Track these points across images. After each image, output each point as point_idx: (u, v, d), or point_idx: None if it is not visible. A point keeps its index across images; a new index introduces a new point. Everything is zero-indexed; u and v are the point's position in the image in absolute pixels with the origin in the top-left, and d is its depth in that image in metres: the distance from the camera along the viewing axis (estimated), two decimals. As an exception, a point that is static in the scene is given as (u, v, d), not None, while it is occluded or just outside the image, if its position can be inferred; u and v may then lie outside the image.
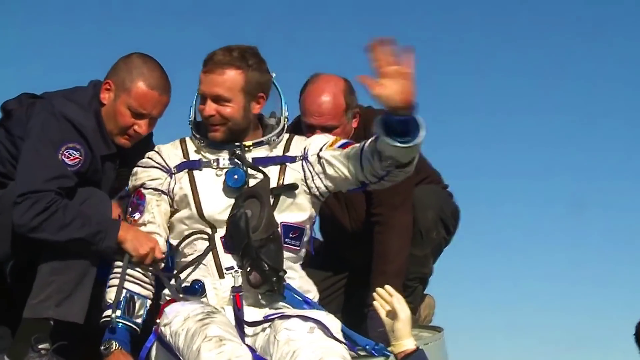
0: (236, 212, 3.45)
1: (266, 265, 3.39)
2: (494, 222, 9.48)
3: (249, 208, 3.45)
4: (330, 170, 3.58)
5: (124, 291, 3.53)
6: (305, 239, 3.69)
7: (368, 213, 4.27)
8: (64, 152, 3.49)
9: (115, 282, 3.53)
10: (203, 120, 3.59)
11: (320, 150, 3.62)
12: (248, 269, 3.41)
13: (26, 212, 3.36)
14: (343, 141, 3.65)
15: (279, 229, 3.54)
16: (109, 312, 3.51)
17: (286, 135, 3.73)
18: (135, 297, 3.55)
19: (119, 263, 3.56)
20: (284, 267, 3.49)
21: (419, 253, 4.30)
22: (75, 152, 3.52)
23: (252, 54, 3.58)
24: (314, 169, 3.61)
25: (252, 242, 3.39)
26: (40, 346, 3.41)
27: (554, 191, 9.76)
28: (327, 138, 3.70)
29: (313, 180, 3.62)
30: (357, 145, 3.52)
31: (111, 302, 3.51)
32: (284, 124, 3.71)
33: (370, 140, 3.42)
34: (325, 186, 3.63)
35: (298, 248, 3.64)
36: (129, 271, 3.55)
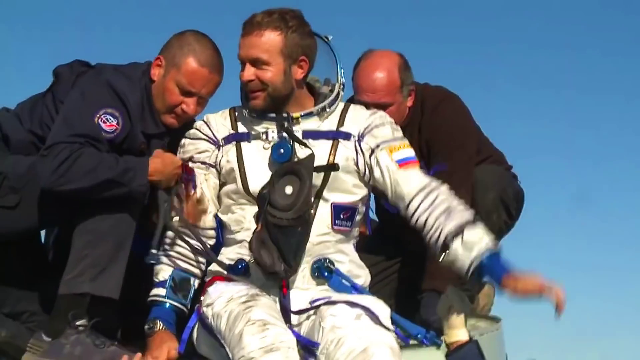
0: (265, 187, 3.30)
1: (276, 250, 3.23)
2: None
3: (288, 184, 3.27)
4: (377, 175, 3.45)
5: (172, 270, 3.45)
6: (358, 217, 3.53)
7: None
8: (101, 116, 3.37)
9: (164, 259, 3.45)
10: (243, 87, 3.45)
11: (379, 146, 3.46)
12: (254, 247, 3.26)
13: (49, 164, 3.24)
14: (405, 156, 3.47)
15: (330, 209, 3.40)
16: (155, 290, 3.44)
17: (341, 105, 3.55)
18: (184, 275, 3.46)
19: (167, 240, 3.47)
20: (333, 251, 3.39)
21: None
22: (113, 119, 3.39)
23: (293, 16, 3.41)
24: (365, 156, 3.46)
25: (270, 218, 3.22)
26: (77, 322, 3.32)
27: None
28: (389, 133, 3.51)
29: (365, 165, 3.47)
30: (415, 178, 3.41)
31: (158, 280, 3.44)
32: (339, 91, 3.53)
33: (440, 230, 3.30)
34: (370, 178, 3.49)
35: (349, 229, 3.49)
36: (177, 249, 3.47)
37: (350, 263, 3.47)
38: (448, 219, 3.28)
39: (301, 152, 3.37)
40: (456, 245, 3.24)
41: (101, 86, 3.43)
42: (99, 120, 3.36)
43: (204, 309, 3.22)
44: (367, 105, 3.87)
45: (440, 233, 3.28)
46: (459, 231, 3.24)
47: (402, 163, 3.44)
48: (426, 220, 3.33)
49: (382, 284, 3.98)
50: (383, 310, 3.14)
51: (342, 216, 3.44)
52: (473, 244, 3.22)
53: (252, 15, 3.38)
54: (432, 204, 3.33)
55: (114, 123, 3.39)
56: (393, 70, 3.96)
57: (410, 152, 3.49)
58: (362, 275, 3.51)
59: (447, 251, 3.25)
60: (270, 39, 3.34)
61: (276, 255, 3.22)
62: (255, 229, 3.29)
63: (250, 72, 3.37)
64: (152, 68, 3.56)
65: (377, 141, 3.46)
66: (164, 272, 3.46)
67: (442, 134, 4.01)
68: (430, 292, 3.80)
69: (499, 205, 4.17)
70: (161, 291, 3.43)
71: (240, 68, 3.42)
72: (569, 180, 9.58)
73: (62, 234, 3.59)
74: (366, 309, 3.09)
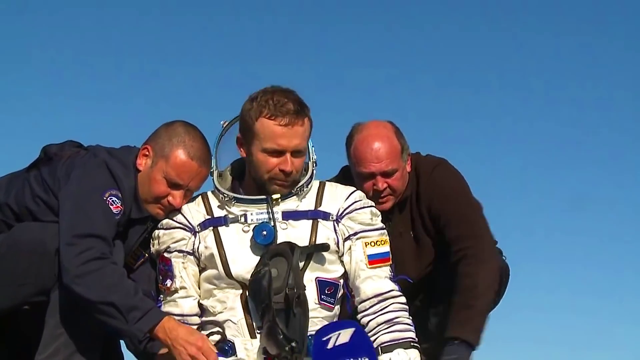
0: (259, 270, 3.20)
1: (280, 333, 3.10)
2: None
3: (275, 267, 3.20)
4: (346, 260, 3.42)
5: None
6: (339, 294, 3.44)
7: (440, 254, 3.97)
8: (108, 199, 3.32)
9: None
10: (271, 175, 3.33)
11: (356, 235, 3.41)
12: (265, 335, 3.15)
13: (74, 258, 3.16)
14: (378, 252, 3.43)
15: (315, 285, 3.33)
16: None
17: (316, 183, 3.49)
18: None
19: None
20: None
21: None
22: (118, 201, 3.34)
23: (300, 97, 3.39)
24: (341, 239, 3.41)
25: (273, 304, 3.13)
26: None
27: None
28: (368, 220, 3.45)
29: (342, 245, 3.41)
30: (377, 282, 3.39)
31: None
32: (313, 170, 3.47)
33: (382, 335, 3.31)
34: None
35: (332, 306, 3.40)
36: None
37: None
38: (386, 330, 3.33)
39: (282, 234, 3.30)
40: (383, 359, 3.27)
41: (100, 167, 3.36)
42: (107, 202, 3.31)
43: None
44: (373, 175, 3.83)
45: (375, 339, 3.32)
46: (391, 347, 3.29)
47: (373, 260, 3.41)
48: (368, 323, 3.36)
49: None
50: None
51: (326, 291, 3.37)
52: None
53: (282, 103, 3.29)
54: (381, 310, 3.37)
55: (119, 204, 3.34)
56: (392, 137, 3.91)
57: (384, 249, 3.45)
58: None
59: None
60: (307, 127, 3.36)
61: (279, 339, 3.11)
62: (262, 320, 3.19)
63: (292, 163, 3.32)
64: (139, 157, 3.45)
65: (355, 229, 3.42)
66: None
67: (443, 197, 3.94)
68: (456, 341, 3.68)
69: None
70: None
71: (273, 155, 3.31)
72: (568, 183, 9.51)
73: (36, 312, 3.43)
74: None
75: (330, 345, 2.96)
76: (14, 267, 3.24)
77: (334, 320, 3.42)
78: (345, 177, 3.99)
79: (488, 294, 3.83)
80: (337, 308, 3.44)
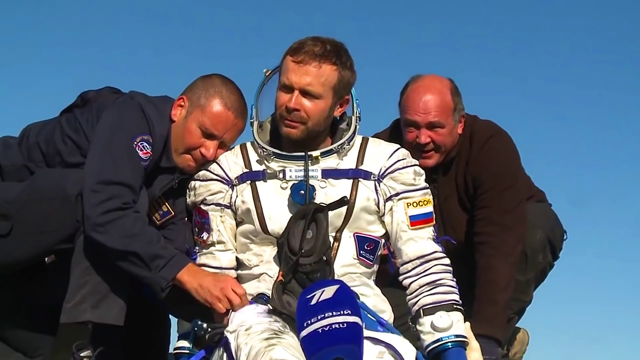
0: (285, 233, 3.15)
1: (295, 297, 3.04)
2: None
3: (308, 228, 3.13)
4: (387, 221, 3.35)
5: (193, 320, 3.23)
6: (379, 252, 3.37)
7: (470, 233, 3.92)
8: (139, 144, 3.29)
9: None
10: (280, 111, 3.26)
11: (398, 195, 3.31)
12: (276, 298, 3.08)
13: (98, 205, 3.13)
14: (420, 213, 3.32)
15: (354, 240, 3.27)
16: (180, 342, 3.35)
17: (359, 140, 3.39)
18: (205, 325, 3.22)
19: None
20: (359, 284, 3.23)
21: (521, 278, 3.91)
22: (148, 146, 3.31)
23: (345, 51, 3.29)
24: (382, 199, 3.32)
25: (300, 266, 3.10)
26: (82, 354, 3.16)
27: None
28: (411, 179, 3.34)
29: (383, 205, 3.33)
30: (419, 243, 3.30)
31: (182, 331, 3.35)
32: (356, 126, 3.36)
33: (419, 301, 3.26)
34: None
35: (372, 263, 3.34)
36: None
37: (376, 297, 3.30)
38: (429, 292, 3.25)
39: (321, 193, 3.24)
40: (425, 321, 3.22)
41: (135, 110, 3.33)
42: (137, 147, 3.28)
43: (227, 334, 3.02)
44: (418, 125, 3.76)
45: (417, 301, 3.26)
46: (433, 309, 3.22)
47: (415, 221, 3.32)
48: (410, 284, 3.30)
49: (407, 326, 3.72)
50: (408, 350, 2.94)
51: (366, 247, 3.29)
52: (440, 329, 3.18)
53: (304, 43, 3.24)
54: (424, 272, 3.28)
55: (149, 150, 3.31)
56: (445, 92, 3.86)
57: (426, 210, 3.34)
58: (387, 311, 3.33)
59: (416, 323, 3.25)
60: (327, 73, 3.22)
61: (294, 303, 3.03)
62: (277, 278, 3.14)
63: (298, 100, 3.22)
64: (174, 108, 3.43)
65: (397, 189, 3.32)
66: (185, 323, 3.34)
67: (492, 172, 3.87)
68: (486, 338, 3.61)
69: (546, 245, 4.02)
70: (185, 344, 3.33)
71: (282, 90, 3.26)
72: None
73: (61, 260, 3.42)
74: (390, 347, 2.89)
75: (313, 302, 2.87)
76: (36, 214, 3.22)
77: (372, 277, 3.36)
78: (395, 130, 3.95)
79: (510, 288, 3.79)
80: (375, 266, 3.37)
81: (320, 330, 2.75)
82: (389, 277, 3.54)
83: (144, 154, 3.28)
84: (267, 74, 3.42)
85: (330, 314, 2.78)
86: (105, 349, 3.19)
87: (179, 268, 3.14)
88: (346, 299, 2.85)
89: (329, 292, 2.88)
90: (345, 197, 3.22)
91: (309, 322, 2.78)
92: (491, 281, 3.75)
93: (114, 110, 3.33)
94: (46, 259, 3.48)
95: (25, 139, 3.43)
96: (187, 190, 3.43)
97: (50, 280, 3.47)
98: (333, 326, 2.75)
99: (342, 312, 2.79)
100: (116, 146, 3.25)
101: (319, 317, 2.77)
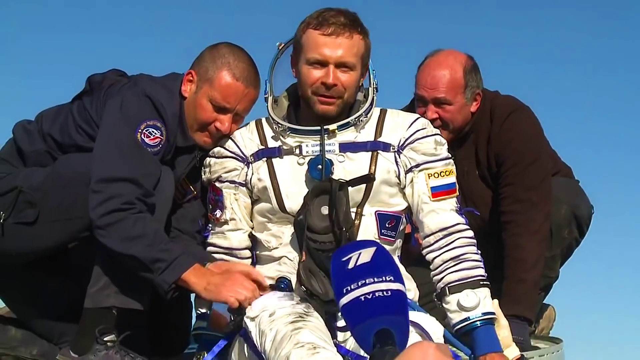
0: (300, 212, 3.09)
1: (324, 274, 2.97)
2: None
3: (324, 204, 3.07)
4: (408, 192, 3.28)
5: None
6: (402, 227, 3.31)
7: (495, 210, 3.88)
8: (144, 131, 3.19)
9: None
10: (314, 88, 3.18)
11: (418, 166, 3.25)
12: (304, 278, 3.00)
13: (97, 207, 3.06)
14: (442, 183, 3.25)
15: (375, 219, 3.21)
16: (198, 322, 3.28)
17: (377, 111, 3.32)
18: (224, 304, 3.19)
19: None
20: None
21: (547, 254, 3.85)
22: (156, 131, 3.21)
23: (360, 19, 3.24)
24: (403, 171, 3.25)
25: (313, 244, 3.04)
26: (105, 338, 3.13)
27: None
28: (432, 149, 3.28)
29: (404, 177, 3.26)
30: (441, 215, 3.23)
31: (200, 312, 3.27)
32: (374, 97, 3.30)
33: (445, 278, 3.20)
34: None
35: (394, 240, 3.28)
36: None
37: None
38: (454, 268, 3.19)
39: (339, 167, 3.18)
40: (451, 300, 3.17)
41: (138, 98, 3.25)
42: (142, 135, 3.18)
43: (247, 321, 2.97)
44: (425, 101, 3.72)
45: (442, 277, 3.20)
46: (459, 287, 3.16)
47: (437, 192, 3.24)
48: (434, 259, 3.23)
49: (434, 305, 3.60)
50: (436, 328, 2.92)
51: (387, 225, 3.24)
52: (468, 308, 3.13)
53: (327, 14, 3.16)
54: (447, 246, 3.21)
55: (158, 135, 3.21)
56: (457, 69, 3.79)
57: (449, 180, 3.27)
58: (411, 289, 3.27)
59: (442, 301, 3.19)
60: (357, 42, 3.18)
61: (327, 282, 2.95)
62: (300, 258, 3.07)
63: (336, 74, 3.16)
64: (184, 83, 3.36)
65: (417, 159, 3.25)
66: (204, 303, 3.26)
67: (514, 148, 3.82)
68: (516, 318, 3.58)
69: (571, 221, 3.98)
70: (204, 324, 3.26)
71: (312, 66, 3.18)
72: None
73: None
74: (417, 326, 2.84)
75: (351, 265, 2.70)
76: (61, 201, 3.17)
77: (397, 253, 3.31)
78: (413, 105, 3.89)
79: (539, 266, 3.75)
80: (398, 242, 3.32)
81: (362, 297, 2.60)
82: (413, 255, 3.49)
83: (151, 140, 3.19)
84: (280, 48, 3.35)
85: (372, 280, 2.62)
86: (129, 333, 3.15)
87: (181, 270, 3.04)
88: (386, 263, 2.72)
89: (366, 254, 2.72)
90: (371, 173, 3.17)
91: (349, 288, 2.63)
92: (519, 260, 3.71)
93: (115, 101, 3.25)
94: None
95: (40, 127, 3.38)
96: (202, 167, 3.38)
97: (73, 266, 3.42)
98: (376, 294, 2.59)
99: (384, 279, 2.64)
100: (118, 140, 3.16)
101: (359, 284, 2.61)
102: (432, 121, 3.65)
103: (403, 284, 2.65)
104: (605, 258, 8.43)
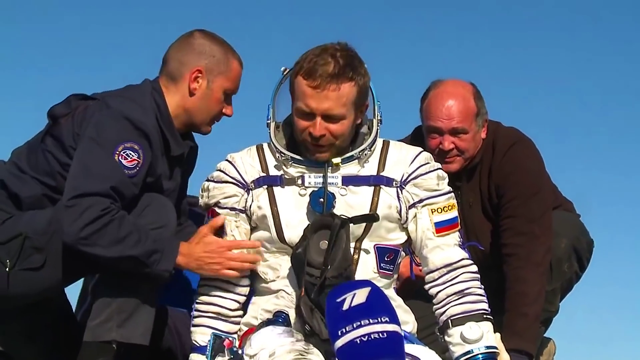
0: (299, 245, 3.04)
1: (322, 315, 2.92)
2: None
3: (322, 239, 3.02)
4: (412, 228, 3.24)
5: (210, 333, 3.18)
6: (399, 260, 3.27)
7: (495, 243, 3.86)
8: (121, 153, 3.14)
9: (199, 320, 3.22)
10: (303, 137, 3.14)
11: (421, 202, 3.21)
12: (305, 315, 2.97)
13: (76, 221, 3.02)
14: (445, 219, 3.23)
15: (374, 253, 3.17)
16: (196, 356, 3.20)
17: (380, 143, 3.27)
18: (222, 336, 3.18)
19: (202, 299, 3.23)
20: None
21: (547, 288, 3.83)
22: (133, 154, 3.15)
23: (355, 56, 3.14)
24: (405, 206, 3.21)
25: (309, 279, 2.99)
26: None
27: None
28: (434, 185, 3.24)
29: (405, 213, 3.22)
30: (445, 250, 3.21)
31: (198, 345, 3.20)
32: (378, 130, 3.25)
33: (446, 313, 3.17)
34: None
35: (392, 273, 3.24)
36: (214, 309, 3.21)
37: (398, 309, 3.14)
38: (458, 301, 3.16)
39: (341, 201, 3.14)
40: (454, 332, 3.13)
41: (114, 120, 3.19)
42: (119, 157, 3.13)
43: (247, 358, 2.93)
44: (441, 132, 3.73)
45: (445, 310, 3.17)
46: (463, 319, 3.13)
47: (441, 228, 3.21)
48: (437, 294, 3.20)
49: (433, 338, 3.50)
50: None
51: (386, 258, 3.20)
52: (471, 340, 3.10)
53: (315, 63, 3.07)
54: (451, 280, 3.19)
55: (135, 157, 3.16)
56: (468, 97, 3.83)
57: (451, 215, 3.24)
58: (410, 322, 3.24)
59: (445, 334, 3.16)
60: (346, 92, 3.09)
61: (322, 320, 2.93)
62: (300, 292, 3.03)
63: (322, 127, 3.10)
64: (191, 82, 3.33)
65: (420, 195, 3.21)
66: (202, 335, 3.20)
67: (515, 181, 3.83)
68: (517, 352, 3.57)
69: (571, 254, 3.97)
70: (202, 358, 3.19)
71: (301, 117, 3.13)
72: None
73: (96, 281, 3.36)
74: (416, 359, 2.84)
75: (345, 307, 2.70)
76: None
77: (393, 286, 3.27)
78: (416, 137, 3.90)
79: (540, 299, 3.75)
80: (396, 275, 3.29)
81: (358, 340, 2.61)
82: (412, 288, 3.48)
83: (129, 162, 3.14)
84: (284, 73, 3.27)
85: (367, 321, 2.64)
86: None
87: (174, 256, 3.09)
88: (381, 303, 2.73)
89: (360, 295, 2.73)
90: (376, 214, 3.13)
91: (344, 330, 2.62)
92: (521, 293, 3.69)
93: (91, 126, 3.20)
94: None
95: (26, 171, 3.30)
96: (200, 191, 3.31)
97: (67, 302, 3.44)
98: (372, 336, 2.61)
99: (379, 320, 2.65)
100: (93, 163, 3.12)
101: (355, 326, 2.63)
102: (449, 151, 3.70)
103: (399, 324, 2.66)
104: (606, 290, 8.36)
